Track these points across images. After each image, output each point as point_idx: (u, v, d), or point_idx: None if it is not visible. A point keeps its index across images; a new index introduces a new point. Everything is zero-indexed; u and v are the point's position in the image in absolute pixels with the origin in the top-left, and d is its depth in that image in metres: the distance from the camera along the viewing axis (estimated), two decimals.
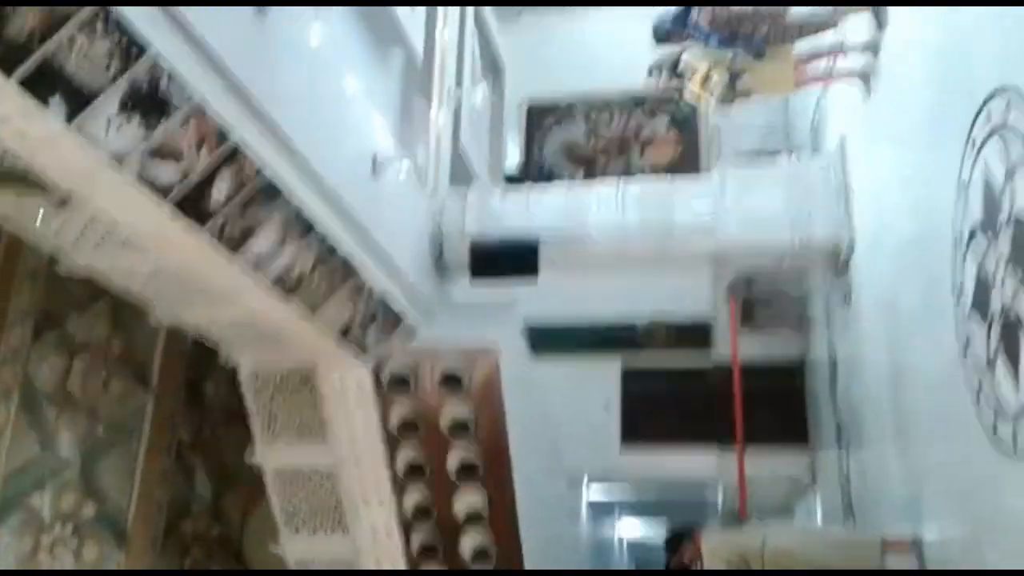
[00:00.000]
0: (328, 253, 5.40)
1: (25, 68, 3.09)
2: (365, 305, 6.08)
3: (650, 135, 10.81)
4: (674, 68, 6.37)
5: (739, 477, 8.71)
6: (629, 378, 10.14)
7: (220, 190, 4.23)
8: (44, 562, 6.44)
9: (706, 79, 6.16)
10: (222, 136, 4.06)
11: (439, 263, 7.39)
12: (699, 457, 9.57)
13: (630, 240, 7.15)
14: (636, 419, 9.90)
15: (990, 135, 3.76)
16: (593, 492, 11.78)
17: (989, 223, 3.81)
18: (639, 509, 13.76)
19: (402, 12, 6.81)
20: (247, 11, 4.05)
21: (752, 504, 8.99)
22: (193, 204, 4.16)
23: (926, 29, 4.76)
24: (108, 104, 3.42)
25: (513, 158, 10.75)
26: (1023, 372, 3.47)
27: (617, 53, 9.99)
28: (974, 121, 3.90)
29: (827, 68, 6.54)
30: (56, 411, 6.48)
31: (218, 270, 4.92)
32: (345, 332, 6.13)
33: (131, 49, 3.39)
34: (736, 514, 9.10)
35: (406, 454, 7.27)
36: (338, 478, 7.35)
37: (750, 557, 5.57)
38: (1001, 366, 3.69)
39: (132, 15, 3.32)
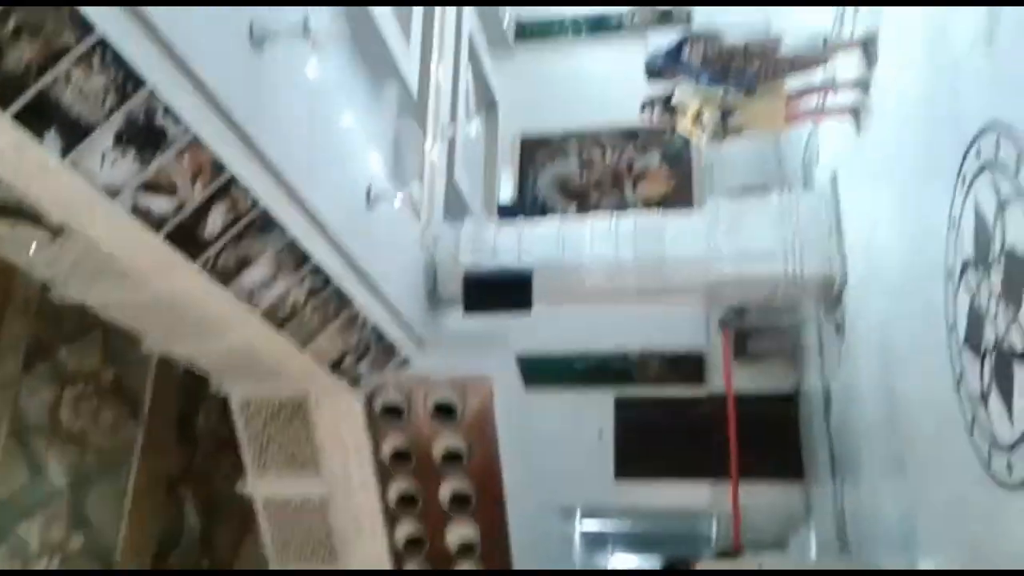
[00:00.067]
0: (322, 285, 5.40)
1: (21, 102, 3.10)
2: (358, 336, 6.06)
3: (643, 170, 10.90)
4: (666, 104, 6.43)
5: (734, 509, 8.68)
6: (623, 408, 10.12)
7: (214, 222, 4.23)
8: None
9: (698, 116, 6.22)
10: (217, 169, 4.07)
11: (432, 295, 7.40)
12: (693, 489, 9.53)
13: (623, 273, 7.17)
14: (630, 450, 9.87)
15: (980, 171, 3.79)
16: (586, 524, 11.71)
17: (981, 258, 3.84)
18: (633, 541, 13.65)
19: (397, 47, 6.87)
20: (243, 45, 4.07)
21: (746, 536, 8.95)
22: (187, 236, 4.16)
23: (915, 66, 4.82)
24: (103, 138, 3.43)
25: (506, 192, 10.81)
26: (1016, 405, 3.48)
27: (609, 88, 10.12)
28: (964, 157, 3.94)
29: (818, 105, 6.61)
30: (46, 441, 6.43)
31: (211, 302, 4.92)
32: (338, 363, 6.12)
33: (127, 83, 3.40)
34: (730, 546, 9.04)
35: (398, 485, 7.23)
36: (329, 509, 7.31)
37: None
38: (995, 399, 3.70)
39: (129, 50, 3.33)
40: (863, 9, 5.96)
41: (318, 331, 5.68)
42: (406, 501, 7.27)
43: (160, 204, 3.88)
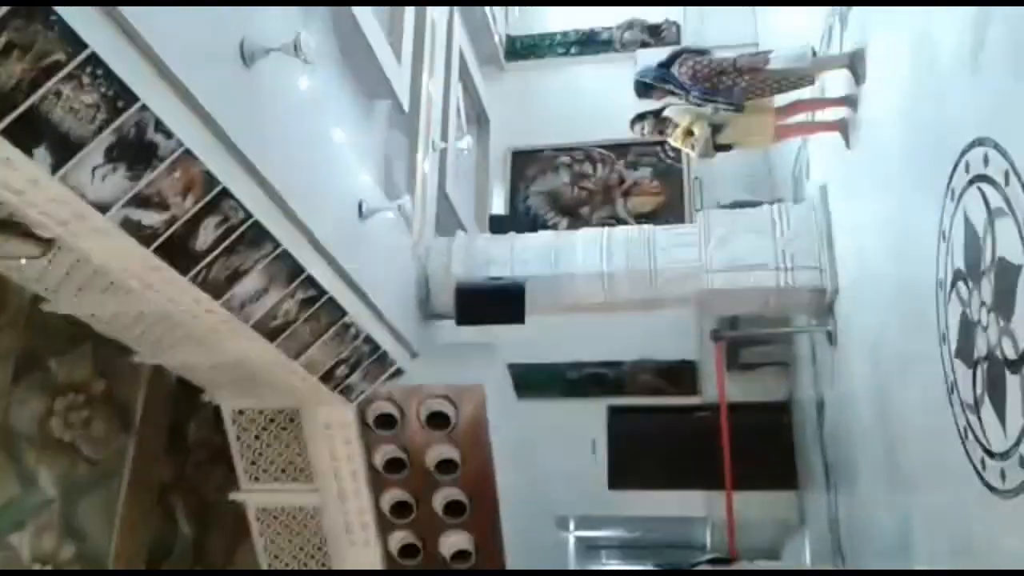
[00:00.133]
0: (314, 297, 5.39)
1: (11, 118, 3.09)
2: (351, 347, 6.06)
3: (633, 184, 10.94)
4: (657, 117, 6.46)
5: (727, 518, 8.69)
6: (616, 418, 10.14)
7: (205, 237, 4.22)
8: None
9: (688, 132, 6.24)
10: (208, 183, 4.06)
11: (425, 306, 7.41)
12: (687, 499, 9.55)
13: (615, 284, 7.19)
14: (624, 459, 9.88)
15: (970, 184, 3.82)
16: (580, 532, 11.71)
17: (971, 269, 3.86)
18: (626, 549, 13.67)
19: (389, 64, 6.90)
20: (234, 61, 4.07)
21: (740, 545, 8.96)
22: (178, 251, 4.15)
23: (904, 81, 4.84)
24: (94, 154, 3.41)
25: (498, 207, 10.85)
26: (1009, 415, 3.50)
27: (600, 104, 10.19)
28: (953, 170, 3.97)
29: (807, 120, 6.64)
30: (36, 452, 6.40)
31: (202, 315, 4.92)
32: (330, 374, 6.11)
33: (118, 99, 3.39)
34: (726, 554, 9.06)
35: (392, 494, 7.24)
36: (323, 518, 7.32)
37: None
38: (987, 408, 3.72)
39: (120, 66, 3.33)
40: (851, 24, 5.99)
41: (310, 342, 5.67)
42: (400, 510, 7.28)
43: (151, 218, 3.88)
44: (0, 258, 4.87)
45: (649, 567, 12.50)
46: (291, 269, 5.05)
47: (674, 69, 6.02)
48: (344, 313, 5.77)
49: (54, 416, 6.48)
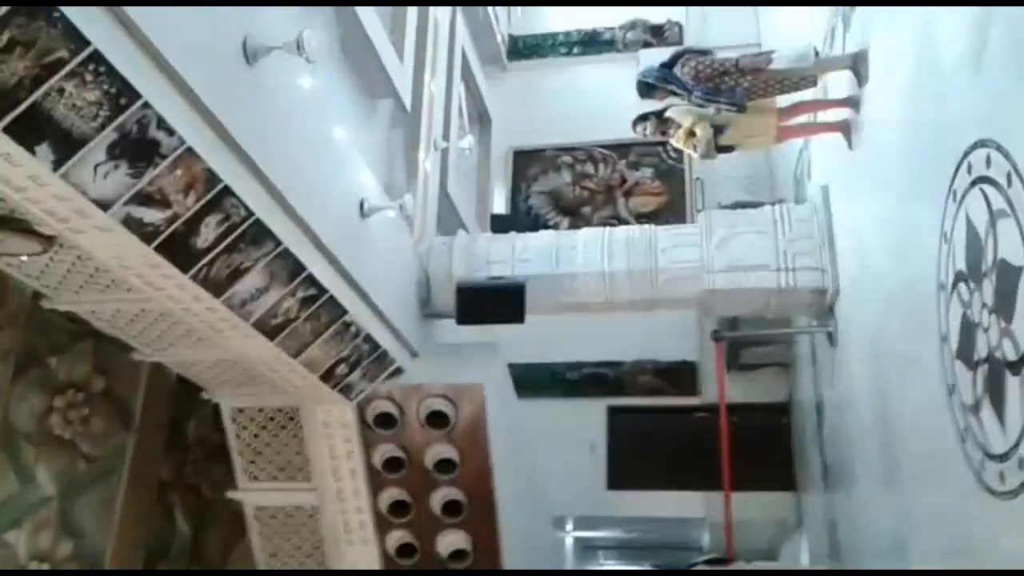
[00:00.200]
0: (314, 296, 5.39)
1: (13, 115, 3.09)
2: (351, 346, 6.06)
3: (635, 184, 10.94)
4: (659, 118, 6.46)
5: (726, 518, 8.70)
6: (615, 417, 10.13)
7: (207, 235, 4.23)
8: None
9: (690, 133, 6.24)
10: (210, 180, 4.06)
11: (426, 305, 7.41)
12: (685, 499, 9.55)
13: (616, 284, 7.18)
14: (623, 459, 9.88)
15: (972, 185, 3.82)
16: (578, 532, 11.72)
17: (973, 270, 3.87)
18: (624, 550, 13.68)
19: (391, 63, 6.90)
20: (237, 59, 4.07)
21: (738, 546, 8.96)
22: (179, 248, 4.15)
23: (906, 82, 4.84)
24: (96, 151, 3.41)
25: (499, 206, 10.86)
26: (1008, 416, 3.50)
27: (602, 104, 10.19)
28: (956, 172, 3.97)
29: (809, 121, 6.64)
30: (35, 449, 6.40)
31: (203, 313, 4.92)
32: (330, 373, 6.11)
33: (121, 96, 3.39)
34: (723, 554, 9.06)
35: (390, 493, 7.25)
36: (321, 516, 7.33)
37: None
38: (987, 410, 3.72)
39: (122, 63, 3.33)
40: (853, 25, 5.99)
41: (311, 341, 5.67)
42: (398, 509, 7.28)
43: (153, 216, 3.88)
44: (1, 255, 4.87)
45: (647, 568, 12.52)
46: (292, 267, 5.05)
47: (676, 69, 6.01)
48: (344, 312, 5.77)
49: (54, 413, 6.48)
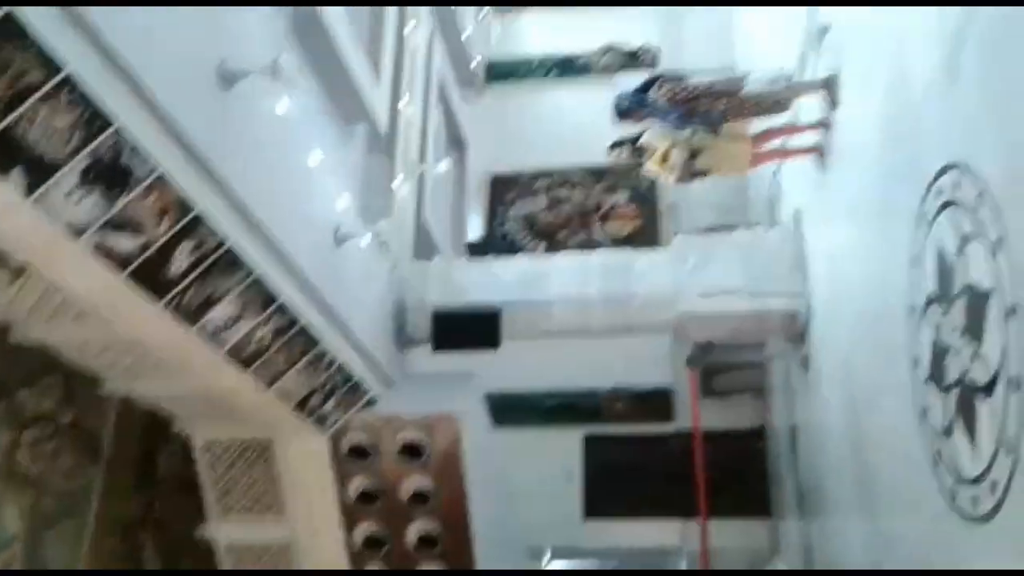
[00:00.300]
0: (288, 324, 5.35)
1: None
2: (325, 376, 6.01)
3: (611, 208, 11.01)
4: (634, 145, 6.51)
5: (702, 546, 8.66)
6: (591, 446, 10.10)
7: (180, 261, 4.19)
8: None
9: (665, 157, 6.30)
10: (183, 207, 4.03)
11: (401, 333, 7.36)
12: (662, 527, 9.51)
13: (591, 309, 7.20)
14: (599, 488, 9.83)
15: (942, 208, 3.87)
16: (555, 563, 11.60)
17: (942, 294, 3.90)
18: None
19: (366, 86, 6.90)
20: (211, 84, 4.06)
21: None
22: (152, 275, 4.11)
23: (877, 106, 4.92)
24: (69, 176, 3.38)
25: (475, 230, 10.86)
26: (980, 440, 3.52)
27: (577, 129, 10.25)
28: (926, 195, 4.02)
29: (782, 145, 6.73)
30: (2, 485, 6.26)
31: (175, 341, 4.85)
32: (304, 403, 6.05)
33: (94, 121, 3.37)
34: None
35: (365, 527, 7.13)
36: (294, 552, 7.19)
37: None
38: (959, 433, 3.74)
39: (96, 88, 3.31)
40: (826, 49, 6.10)
41: (284, 371, 5.61)
42: (372, 543, 7.17)
43: (126, 242, 3.84)
44: None
45: None
46: (265, 296, 5.01)
47: (651, 94, 6.09)
48: (318, 341, 5.73)
49: (21, 448, 6.34)
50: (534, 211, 11.20)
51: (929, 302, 4.08)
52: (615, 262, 7.39)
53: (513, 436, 9.27)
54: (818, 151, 6.23)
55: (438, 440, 6.91)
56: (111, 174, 3.56)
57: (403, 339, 7.37)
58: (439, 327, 7.06)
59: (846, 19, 5.66)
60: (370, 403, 6.71)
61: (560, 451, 9.97)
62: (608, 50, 11.86)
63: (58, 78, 3.15)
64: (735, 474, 9.17)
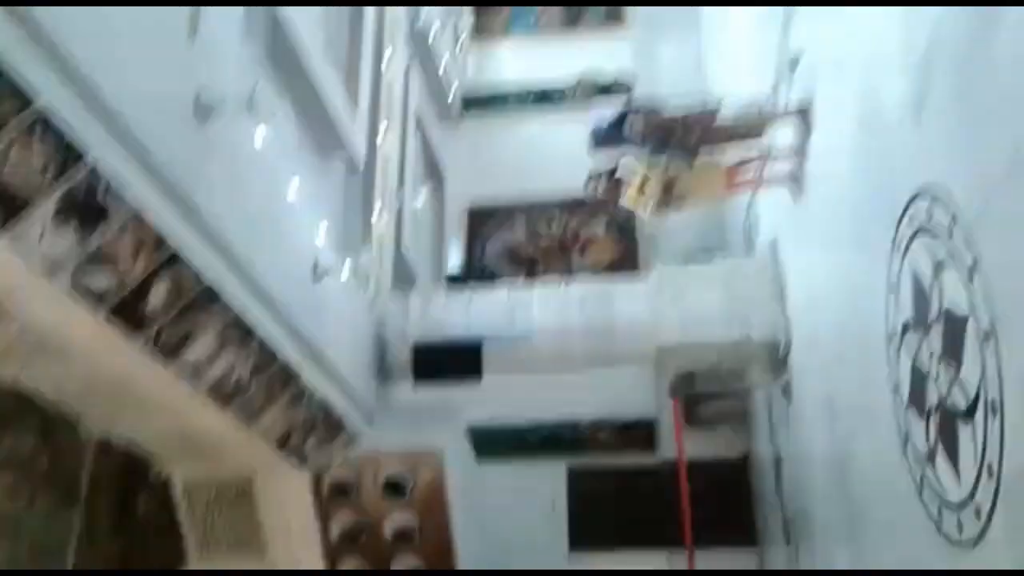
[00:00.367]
0: (267, 360, 5.30)
1: None
2: (305, 412, 5.95)
3: (589, 237, 11.06)
4: (611, 177, 6.56)
5: None
6: (575, 478, 10.04)
7: (157, 296, 4.15)
8: None
9: (642, 187, 6.34)
10: (160, 242, 4.01)
11: (382, 367, 7.33)
12: (648, 559, 9.43)
13: (572, 340, 7.20)
14: (584, 522, 9.76)
15: (915, 235, 3.90)
16: None
17: (920, 320, 3.92)
18: None
19: (344, 118, 6.92)
20: (187, 117, 4.05)
21: None
22: (129, 311, 4.07)
23: (849, 134, 4.98)
24: (43, 212, 3.35)
25: (454, 262, 10.87)
26: (962, 463, 3.52)
27: (555, 159, 10.31)
28: (899, 221, 4.06)
29: (756, 174, 6.78)
30: None
31: (153, 378, 4.80)
32: (284, 441, 5.98)
33: (68, 156, 3.34)
34: None
35: (348, 565, 7.04)
36: None
37: None
38: (941, 459, 3.74)
39: (70, 121, 3.28)
40: (798, 78, 6.17)
41: (264, 408, 5.56)
42: None
43: (102, 278, 3.80)
44: None
45: None
46: (243, 332, 4.97)
47: (626, 125, 6.14)
48: (298, 377, 5.68)
49: None
50: (513, 241, 11.24)
51: (907, 328, 4.10)
52: (595, 293, 7.40)
53: (497, 470, 9.21)
54: (792, 179, 6.28)
55: (421, 475, 6.86)
56: (86, 209, 3.53)
57: (384, 372, 7.33)
58: (420, 360, 7.04)
59: (818, 47, 5.74)
60: (351, 440, 6.65)
61: (544, 484, 9.90)
62: (583, 81, 12.00)
63: (31, 112, 3.12)
64: (720, 504, 9.13)
